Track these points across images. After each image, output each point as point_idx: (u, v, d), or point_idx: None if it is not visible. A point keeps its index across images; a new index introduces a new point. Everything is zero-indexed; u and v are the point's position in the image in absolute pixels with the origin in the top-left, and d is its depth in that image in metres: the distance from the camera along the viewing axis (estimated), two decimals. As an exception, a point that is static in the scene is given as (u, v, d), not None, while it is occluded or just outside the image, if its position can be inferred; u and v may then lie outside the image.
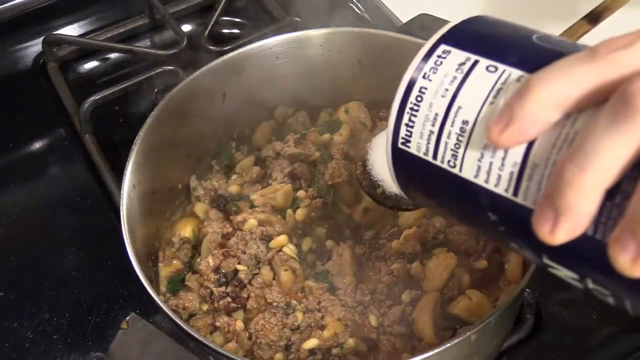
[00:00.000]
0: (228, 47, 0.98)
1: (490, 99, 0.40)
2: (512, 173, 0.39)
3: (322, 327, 0.70)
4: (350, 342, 0.70)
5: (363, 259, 0.76)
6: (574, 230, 0.35)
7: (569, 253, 0.37)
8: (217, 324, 0.72)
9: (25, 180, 0.98)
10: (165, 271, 0.76)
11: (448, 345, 0.58)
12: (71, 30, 1.16)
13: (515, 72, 0.39)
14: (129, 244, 0.66)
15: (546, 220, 0.35)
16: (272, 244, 0.75)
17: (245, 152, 0.87)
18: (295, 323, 0.71)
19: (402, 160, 0.45)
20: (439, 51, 0.43)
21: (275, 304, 0.72)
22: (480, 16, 0.44)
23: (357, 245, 0.77)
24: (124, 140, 0.95)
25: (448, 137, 0.41)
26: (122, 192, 0.70)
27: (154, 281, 0.75)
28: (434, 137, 0.42)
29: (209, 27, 1.07)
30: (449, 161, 0.42)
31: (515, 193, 0.39)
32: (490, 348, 0.70)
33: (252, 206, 0.79)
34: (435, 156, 0.42)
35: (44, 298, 0.84)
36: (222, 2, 1.09)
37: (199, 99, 0.80)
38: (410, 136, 0.43)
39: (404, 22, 0.98)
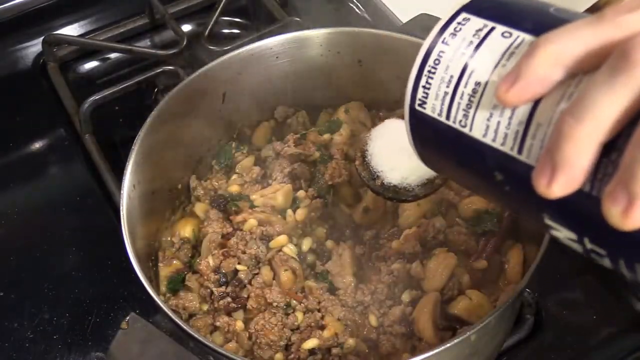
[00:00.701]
0: (228, 47, 0.98)
1: (502, 62, 0.41)
2: (517, 132, 0.40)
3: (322, 327, 0.70)
4: (350, 342, 0.70)
5: (363, 259, 0.76)
6: (570, 183, 0.36)
7: (567, 211, 0.38)
8: (217, 324, 0.72)
9: (25, 180, 0.98)
10: (165, 271, 0.76)
11: (448, 345, 0.58)
12: (71, 30, 1.16)
13: (528, 37, 0.41)
14: (129, 244, 0.66)
15: (544, 174, 0.36)
16: (272, 244, 0.75)
17: (245, 152, 0.87)
18: (295, 323, 0.71)
19: (418, 121, 0.46)
20: (459, 19, 0.44)
21: (275, 304, 0.72)
22: None
23: (357, 245, 0.77)
24: (124, 140, 0.95)
25: (461, 97, 0.43)
26: (122, 192, 0.70)
27: (154, 281, 0.75)
28: (447, 98, 0.44)
29: (209, 27, 1.07)
30: (460, 121, 0.43)
31: (520, 151, 0.40)
32: (490, 348, 0.70)
33: (252, 206, 0.79)
34: (448, 116, 0.44)
35: (44, 298, 0.84)
36: (222, 2, 1.09)
37: (199, 99, 0.80)
38: (426, 98, 0.45)
39: (404, 22, 0.98)
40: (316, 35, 0.83)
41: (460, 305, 0.70)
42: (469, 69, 0.43)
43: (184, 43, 1.04)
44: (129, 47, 1.09)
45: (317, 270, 0.76)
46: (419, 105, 0.46)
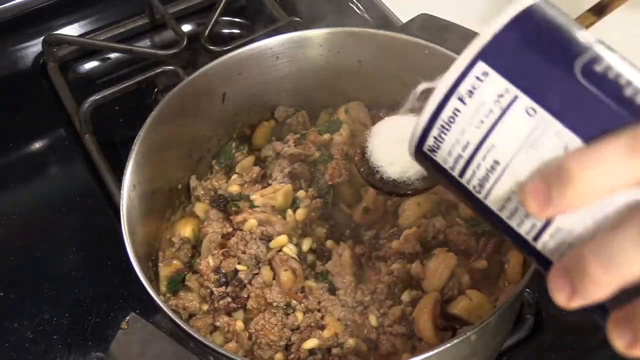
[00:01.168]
0: (228, 47, 0.98)
1: (526, 148, 0.39)
2: (534, 225, 0.40)
3: (322, 327, 0.70)
4: (350, 342, 0.70)
5: (363, 259, 0.76)
6: (587, 303, 0.38)
7: None
8: (217, 324, 0.72)
9: (25, 180, 0.98)
10: (165, 271, 0.76)
11: (448, 345, 0.58)
12: (71, 30, 1.16)
13: (554, 124, 0.39)
14: (129, 244, 0.66)
15: (563, 290, 0.38)
16: (272, 244, 0.75)
17: (245, 152, 0.87)
18: (295, 323, 0.71)
19: (426, 160, 0.45)
20: (476, 71, 0.41)
21: (275, 304, 0.72)
22: (522, 19, 0.41)
23: (357, 245, 0.77)
24: (124, 140, 0.95)
25: (477, 167, 0.42)
26: (122, 192, 0.70)
27: (154, 281, 0.75)
28: (462, 161, 0.42)
29: (209, 27, 1.07)
30: (474, 187, 0.42)
31: (536, 240, 0.40)
32: (490, 348, 0.70)
33: (252, 206, 0.79)
34: (461, 176, 0.43)
35: (44, 298, 0.84)
36: (222, 2, 1.09)
37: (199, 99, 0.80)
38: (437, 149, 0.43)
39: (404, 22, 0.98)
40: (316, 35, 0.83)
41: (460, 305, 0.70)
42: (488, 142, 0.40)
43: (184, 43, 1.04)
44: (129, 47, 1.09)
45: (317, 270, 0.76)
46: (429, 151, 0.44)
